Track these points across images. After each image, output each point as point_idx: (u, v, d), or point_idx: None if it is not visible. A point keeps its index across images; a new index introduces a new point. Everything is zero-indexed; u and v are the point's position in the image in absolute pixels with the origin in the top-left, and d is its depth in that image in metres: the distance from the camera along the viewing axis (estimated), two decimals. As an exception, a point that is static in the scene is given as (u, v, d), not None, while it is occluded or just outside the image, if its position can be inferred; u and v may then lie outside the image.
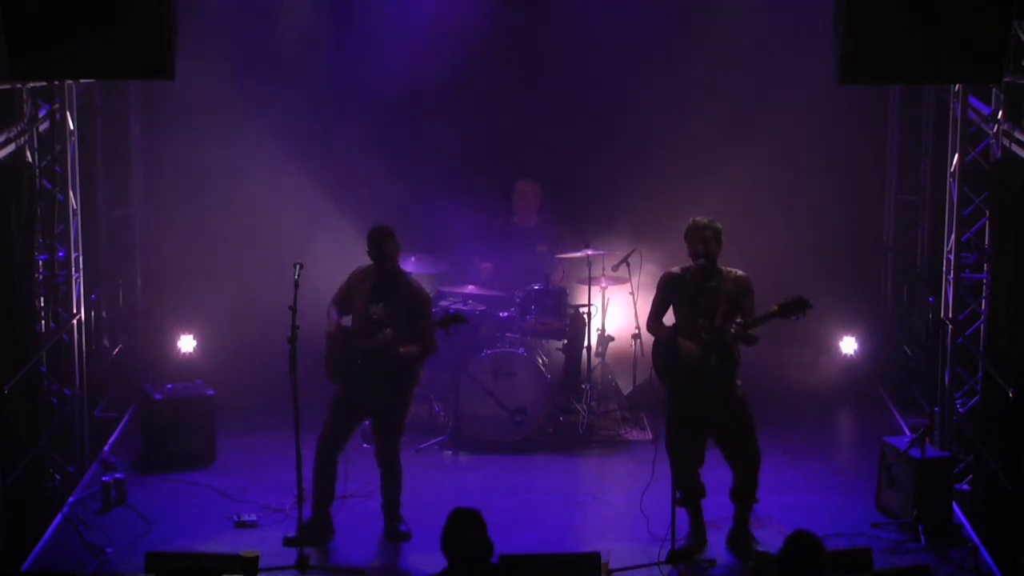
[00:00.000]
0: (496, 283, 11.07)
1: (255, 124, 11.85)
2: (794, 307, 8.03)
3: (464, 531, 5.97)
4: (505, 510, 8.86)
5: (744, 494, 8.47)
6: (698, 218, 8.36)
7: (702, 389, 8.25)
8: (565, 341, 11.02)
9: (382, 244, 8.53)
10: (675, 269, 8.47)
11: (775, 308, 8.08)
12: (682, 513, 8.41)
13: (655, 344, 8.49)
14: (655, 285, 8.53)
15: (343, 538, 8.71)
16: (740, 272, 8.38)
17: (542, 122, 12.29)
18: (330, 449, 8.62)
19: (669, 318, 8.51)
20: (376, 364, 8.47)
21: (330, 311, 8.69)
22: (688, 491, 8.45)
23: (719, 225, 8.32)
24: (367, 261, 8.67)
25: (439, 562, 8.27)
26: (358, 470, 9.17)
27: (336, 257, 9.60)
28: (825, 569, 6.09)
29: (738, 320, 8.21)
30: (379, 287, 8.58)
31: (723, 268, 8.35)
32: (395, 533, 8.68)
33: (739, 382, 8.35)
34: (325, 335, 8.63)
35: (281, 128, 11.91)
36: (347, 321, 8.73)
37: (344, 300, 8.72)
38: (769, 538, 8.41)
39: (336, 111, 12.15)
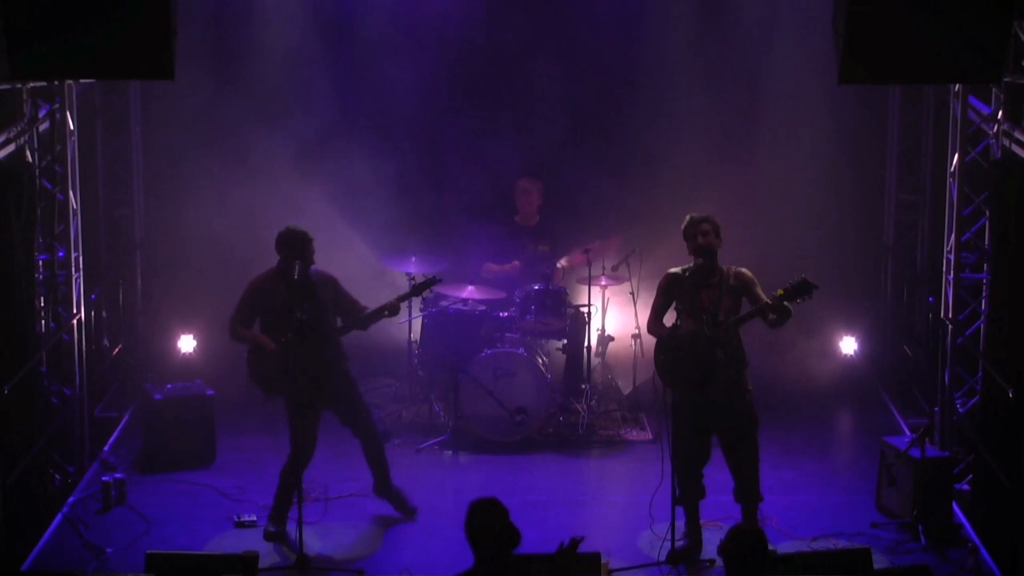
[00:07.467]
0: (498, 283, 11.06)
1: (255, 124, 11.84)
2: (799, 290, 7.94)
3: (487, 520, 5.90)
4: (505, 510, 8.86)
5: (748, 494, 8.45)
6: (695, 214, 8.36)
7: (709, 386, 8.23)
8: (565, 341, 11.00)
9: (304, 248, 8.58)
10: (676, 269, 8.45)
11: (780, 292, 8.01)
12: (680, 513, 8.40)
13: (657, 345, 8.45)
14: (655, 285, 8.50)
15: (343, 538, 8.71)
16: (741, 268, 8.37)
17: (542, 120, 12.27)
18: (305, 465, 8.64)
19: (669, 319, 8.49)
20: (319, 360, 8.53)
21: (237, 329, 8.68)
22: (688, 491, 8.43)
23: (717, 220, 8.32)
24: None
25: (438, 561, 8.37)
26: (358, 470, 9.18)
27: (336, 258, 9.57)
28: (768, 566, 6.15)
29: (736, 316, 8.24)
30: (295, 290, 8.56)
31: (723, 266, 8.34)
32: (409, 509, 9.01)
33: (750, 387, 8.31)
34: (254, 352, 8.63)
35: (281, 129, 11.89)
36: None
37: (250, 314, 8.67)
38: (769, 538, 8.37)
39: (337, 114, 12.13)
